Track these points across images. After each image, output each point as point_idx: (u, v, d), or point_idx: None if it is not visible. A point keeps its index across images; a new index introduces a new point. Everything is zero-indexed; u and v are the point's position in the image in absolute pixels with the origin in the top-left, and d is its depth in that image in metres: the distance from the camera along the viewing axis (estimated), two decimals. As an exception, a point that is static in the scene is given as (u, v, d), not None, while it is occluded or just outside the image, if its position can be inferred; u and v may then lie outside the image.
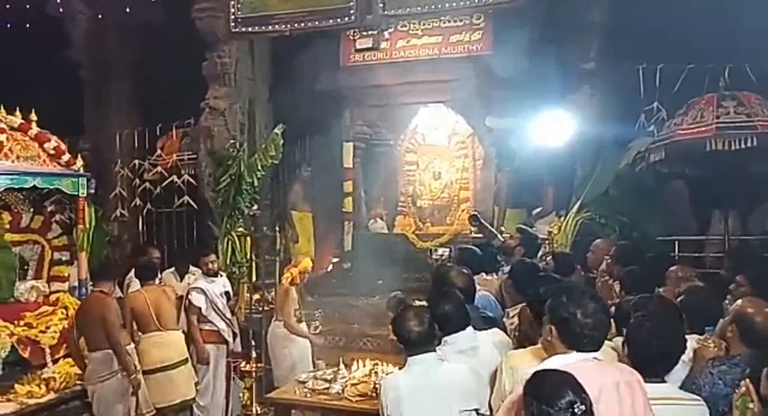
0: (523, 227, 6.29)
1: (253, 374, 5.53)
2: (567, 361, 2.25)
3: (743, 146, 5.07)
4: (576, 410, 1.80)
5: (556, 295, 2.39)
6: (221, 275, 6.12)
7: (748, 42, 5.80)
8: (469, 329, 3.21)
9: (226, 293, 5.94)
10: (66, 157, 5.76)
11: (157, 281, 5.62)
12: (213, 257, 6.04)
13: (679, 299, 3.16)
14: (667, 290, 3.77)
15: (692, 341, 2.70)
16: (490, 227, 6.71)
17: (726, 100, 5.29)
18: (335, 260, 8.11)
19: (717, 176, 5.81)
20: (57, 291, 5.82)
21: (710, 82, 5.69)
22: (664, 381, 2.41)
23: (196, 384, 5.43)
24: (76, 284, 5.92)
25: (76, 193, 5.81)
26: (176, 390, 5.11)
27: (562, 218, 6.42)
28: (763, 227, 6.16)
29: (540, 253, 5.95)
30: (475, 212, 7.06)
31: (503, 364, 2.75)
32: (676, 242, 6.09)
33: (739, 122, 5.17)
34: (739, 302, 2.82)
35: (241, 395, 6.00)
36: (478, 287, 3.89)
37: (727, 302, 3.39)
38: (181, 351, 5.23)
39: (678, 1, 5.95)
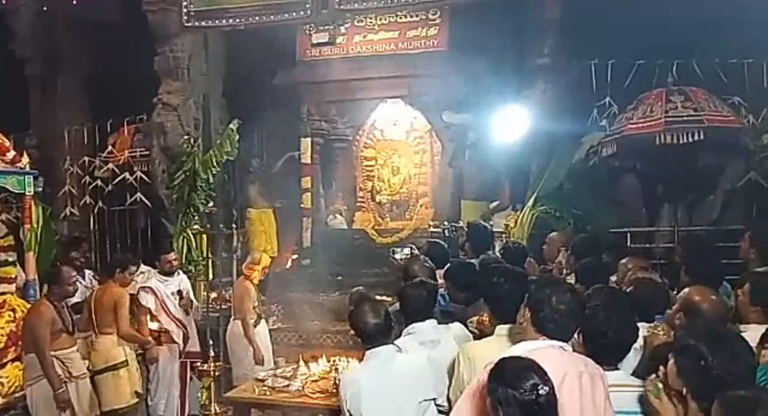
0: (472, 221, 6.29)
1: (212, 373, 5.44)
2: (534, 346, 2.29)
3: (691, 139, 5.24)
4: (540, 391, 1.85)
5: (539, 283, 2.53)
6: (178, 274, 6.00)
7: (696, 39, 5.98)
8: (432, 321, 3.23)
9: (179, 291, 5.78)
10: (11, 154, 5.56)
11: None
12: (174, 255, 5.91)
13: (628, 290, 3.25)
14: (618, 281, 3.88)
15: (643, 329, 2.77)
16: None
17: (674, 96, 5.46)
18: (294, 256, 8.05)
19: (666, 169, 5.99)
20: (3, 293, 5.61)
21: (659, 78, 5.85)
22: (617, 369, 2.47)
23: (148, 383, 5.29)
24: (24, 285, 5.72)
25: (22, 191, 5.63)
26: (101, 398, 4.94)
27: (519, 212, 6.51)
28: (710, 218, 6.37)
29: (499, 247, 6.00)
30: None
31: (460, 355, 2.78)
32: (628, 234, 6.24)
33: (686, 117, 5.34)
34: (686, 290, 2.90)
35: (199, 395, 5.90)
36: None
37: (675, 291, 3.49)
38: (108, 357, 5.01)
39: (629, -1, 6.09)
